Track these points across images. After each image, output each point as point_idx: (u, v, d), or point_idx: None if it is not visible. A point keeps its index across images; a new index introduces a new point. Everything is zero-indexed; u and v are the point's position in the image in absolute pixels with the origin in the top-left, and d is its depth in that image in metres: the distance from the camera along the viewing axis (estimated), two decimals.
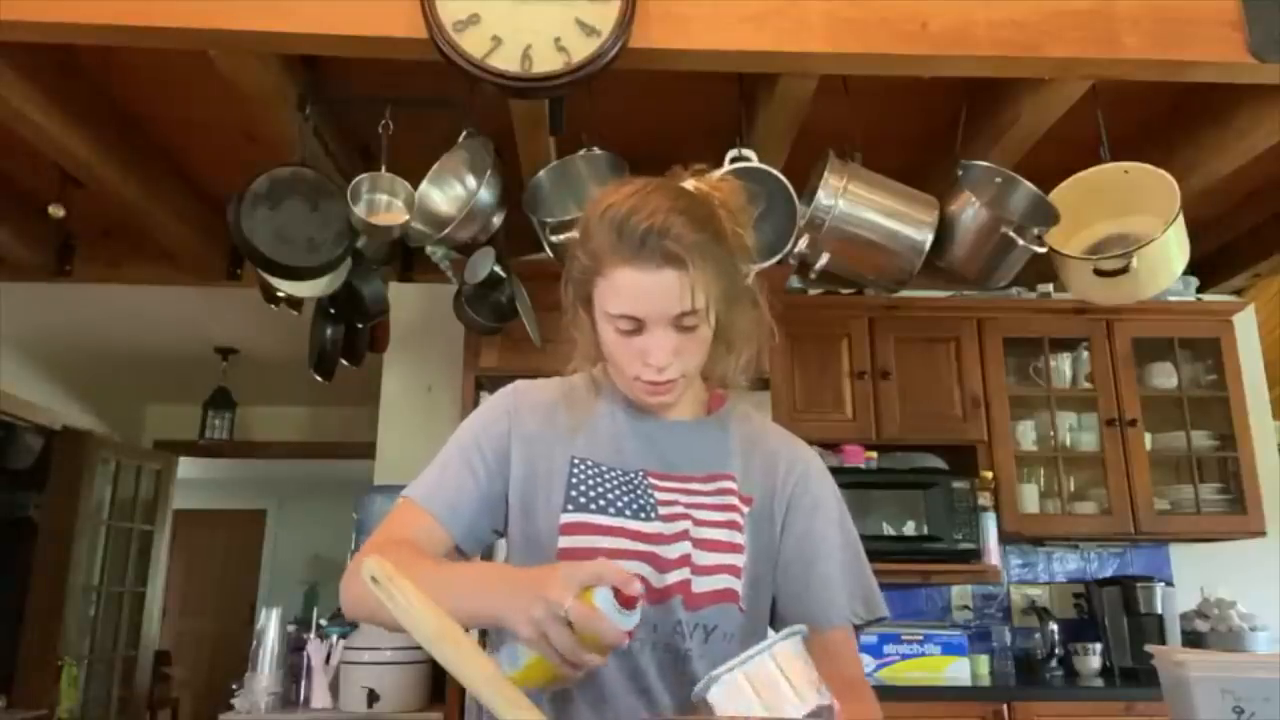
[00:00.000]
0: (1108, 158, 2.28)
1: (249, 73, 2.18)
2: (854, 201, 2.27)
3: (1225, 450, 3.27)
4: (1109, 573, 3.44)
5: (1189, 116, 2.54)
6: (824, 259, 2.29)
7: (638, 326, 1.04)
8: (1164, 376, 3.36)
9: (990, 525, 3.12)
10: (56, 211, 2.85)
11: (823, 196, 2.26)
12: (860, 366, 3.24)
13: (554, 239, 2.27)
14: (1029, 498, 3.25)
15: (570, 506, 1.06)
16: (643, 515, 1.06)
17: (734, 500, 1.10)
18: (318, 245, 2.34)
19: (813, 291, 3.30)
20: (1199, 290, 3.53)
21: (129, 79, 2.50)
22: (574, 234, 1.13)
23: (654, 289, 1.01)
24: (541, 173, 2.42)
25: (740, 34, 1.88)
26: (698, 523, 1.07)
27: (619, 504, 1.06)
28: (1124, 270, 2.14)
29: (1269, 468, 3.34)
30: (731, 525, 1.07)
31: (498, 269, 2.57)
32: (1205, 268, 3.48)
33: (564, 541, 1.04)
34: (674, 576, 1.04)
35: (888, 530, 3.08)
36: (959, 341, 3.29)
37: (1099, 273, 2.20)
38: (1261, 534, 3.20)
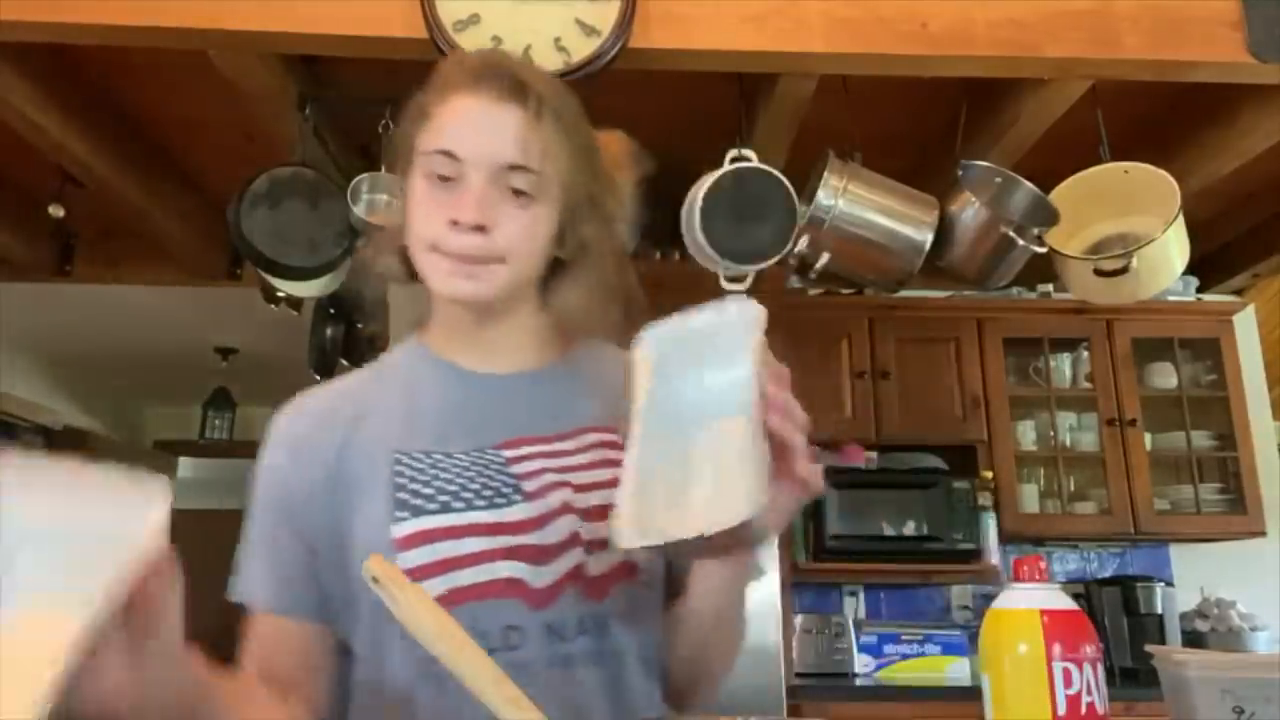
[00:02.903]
0: (1108, 158, 2.28)
1: (249, 73, 2.18)
2: (854, 201, 2.27)
3: (1225, 450, 3.27)
4: (1109, 573, 3.44)
5: (1189, 116, 2.53)
6: (824, 259, 2.29)
7: (455, 171, 0.82)
8: (1164, 376, 3.36)
9: (990, 525, 3.12)
10: (56, 211, 2.85)
11: (823, 196, 2.25)
12: (860, 366, 3.23)
13: None
14: (1029, 498, 3.25)
15: (402, 513, 0.82)
16: (500, 501, 0.84)
17: (608, 453, 0.88)
18: (318, 245, 2.34)
19: (813, 291, 3.29)
20: (1199, 290, 3.53)
21: (129, 79, 2.50)
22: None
23: (486, 121, 0.82)
24: None
25: (740, 34, 1.88)
26: (578, 488, 0.86)
27: (464, 495, 0.84)
28: (1124, 270, 2.14)
29: (1269, 468, 3.34)
30: (615, 483, 0.80)
31: None
32: (1205, 268, 3.47)
33: (406, 559, 0.80)
34: (563, 564, 0.84)
35: (888, 530, 3.08)
36: (959, 341, 3.29)
37: (1099, 273, 2.19)
38: (1261, 534, 3.20)
